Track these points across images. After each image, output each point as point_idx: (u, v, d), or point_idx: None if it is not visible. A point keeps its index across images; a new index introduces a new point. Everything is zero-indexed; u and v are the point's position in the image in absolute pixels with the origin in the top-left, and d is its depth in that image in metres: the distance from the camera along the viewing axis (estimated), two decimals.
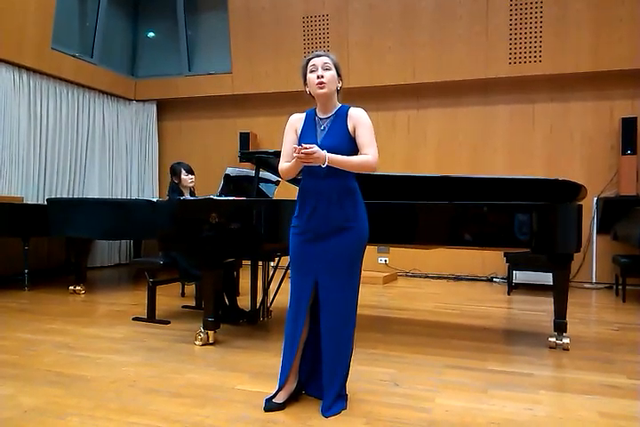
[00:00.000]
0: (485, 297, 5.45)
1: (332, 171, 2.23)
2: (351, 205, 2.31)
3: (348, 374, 2.39)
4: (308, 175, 2.33)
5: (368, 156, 2.25)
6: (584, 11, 5.96)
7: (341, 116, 2.34)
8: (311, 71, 2.31)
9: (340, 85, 2.37)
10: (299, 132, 2.39)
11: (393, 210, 3.36)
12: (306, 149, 2.11)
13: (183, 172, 4.28)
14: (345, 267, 2.31)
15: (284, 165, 2.37)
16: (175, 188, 4.31)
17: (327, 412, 2.26)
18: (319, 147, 2.17)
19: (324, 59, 2.31)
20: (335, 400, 2.30)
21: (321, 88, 2.29)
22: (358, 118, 2.31)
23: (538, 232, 3.23)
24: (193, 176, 4.35)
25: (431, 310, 4.67)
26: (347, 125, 2.31)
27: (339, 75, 2.35)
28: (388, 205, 3.36)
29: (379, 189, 3.58)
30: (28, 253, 5.42)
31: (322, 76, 2.28)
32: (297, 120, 2.43)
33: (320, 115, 2.39)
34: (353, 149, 2.31)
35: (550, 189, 3.49)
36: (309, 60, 2.34)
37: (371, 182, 3.35)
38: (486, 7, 6.30)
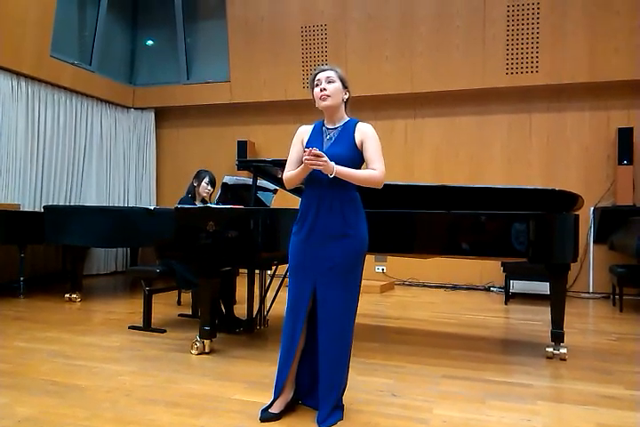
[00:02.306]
0: (483, 307, 5.45)
1: (336, 180, 2.25)
2: (352, 213, 2.33)
3: (345, 384, 2.38)
4: (312, 183, 2.35)
5: (375, 171, 2.29)
6: (581, 21, 6.01)
7: (349, 128, 2.38)
8: (316, 86, 2.37)
9: (346, 97, 2.41)
10: (305, 142, 2.42)
11: (390, 219, 3.37)
12: (316, 150, 2.16)
13: (205, 180, 4.26)
14: (344, 275, 2.31)
15: (288, 173, 2.40)
16: (191, 191, 4.31)
17: (323, 423, 2.24)
18: (325, 154, 2.21)
19: (328, 73, 2.36)
20: (332, 411, 2.28)
21: (323, 100, 2.34)
22: (367, 133, 2.35)
23: (535, 242, 3.23)
24: (212, 189, 4.31)
25: (428, 320, 4.66)
26: (354, 137, 2.35)
27: (345, 87, 2.40)
28: (385, 213, 3.36)
29: (376, 197, 3.57)
30: (24, 260, 5.40)
31: (324, 89, 2.33)
32: (304, 132, 2.47)
33: (328, 125, 2.43)
34: (357, 159, 2.34)
35: (547, 198, 3.50)
36: (315, 75, 2.39)
37: (368, 191, 3.36)
38: (483, 18, 6.35)
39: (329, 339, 2.30)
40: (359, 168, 2.36)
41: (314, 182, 2.33)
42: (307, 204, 2.37)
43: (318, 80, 2.36)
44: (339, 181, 2.25)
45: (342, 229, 2.30)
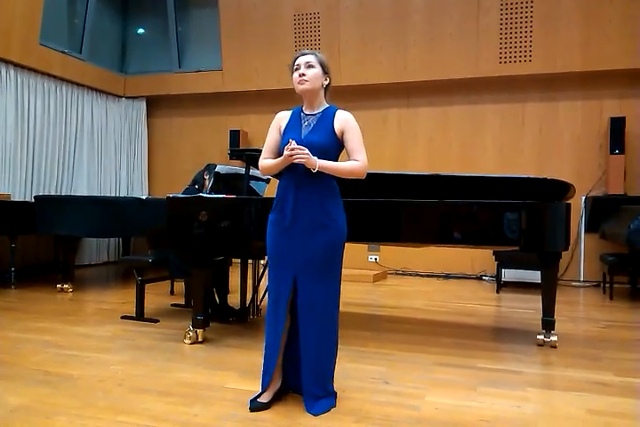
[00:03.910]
0: (475, 295, 5.48)
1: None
2: (332, 204, 2.31)
3: (332, 372, 2.38)
4: (289, 171, 2.31)
5: (358, 162, 2.27)
6: (574, 11, 5.99)
7: (329, 115, 2.34)
8: (295, 70, 2.33)
9: (326, 83, 2.36)
10: (282, 128, 2.39)
11: (383, 208, 3.37)
12: (300, 146, 2.14)
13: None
14: (324, 266, 2.29)
15: (265, 161, 2.38)
16: (199, 181, 4.28)
17: (313, 409, 2.25)
18: (302, 142, 2.21)
19: (308, 57, 2.32)
20: (321, 398, 2.29)
21: (301, 84, 2.30)
22: (347, 122, 2.31)
23: (527, 231, 3.24)
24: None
25: (421, 308, 4.68)
26: (333, 125, 2.31)
27: (326, 72, 2.35)
28: (378, 203, 3.36)
29: (369, 187, 3.57)
30: (15, 250, 5.36)
31: (303, 74, 2.29)
32: (282, 118, 2.43)
33: (306, 111, 2.39)
34: (335, 147, 2.31)
35: (539, 187, 3.51)
36: (295, 59, 2.35)
37: (360, 180, 3.34)
38: (477, 7, 6.32)
39: (312, 328, 2.28)
40: (337, 156, 2.33)
41: (290, 170, 2.30)
42: (283, 192, 2.33)
43: (298, 65, 2.32)
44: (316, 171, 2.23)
45: (322, 221, 2.27)
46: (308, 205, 2.27)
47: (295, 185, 2.29)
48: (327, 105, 2.39)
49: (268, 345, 2.35)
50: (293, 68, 2.34)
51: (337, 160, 2.33)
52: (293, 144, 2.16)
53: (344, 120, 2.31)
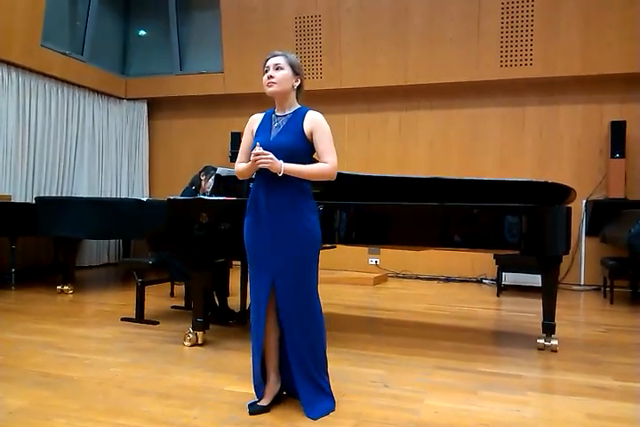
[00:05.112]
0: (475, 298, 5.48)
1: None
2: (304, 206, 2.29)
3: (325, 371, 2.37)
4: (260, 174, 2.30)
5: (327, 164, 2.25)
6: (575, 14, 6.00)
7: (299, 116, 2.32)
8: (265, 72, 2.32)
9: (297, 84, 2.35)
10: (255, 131, 2.39)
11: (384, 211, 3.37)
12: (261, 149, 2.15)
13: (214, 177, 4.24)
14: (301, 268, 2.28)
15: (239, 165, 2.39)
16: (196, 183, 4.32)
17: (312, 413, 2.24)
18: (270, 143, 2.21)
19: (277, 59, 2.31)
20: (318, 401, 2.28)
21: (269, 86, 2.29)
22: (317, 123, 2.28)
23: (527, 234, 3.24)
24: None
25: (421, 312, 4.68)
26: (302, 126, 2.29)
27: (297, 73, 2.34)
28: (378, 206, 3.36)
29: (370, 190, 3.58)
30: (15, 251, 5.36)
31: (271, 76, 2.28)
32: (254, 120, 2.43)
33: (277, 113, 2.38)
34: (304, 148, 2.29)
35: (540, 191, 3.51)
36: (265, 61, 2.34)
37: (361, 183, 3.35)
38: (478, 10, 6.33)
39: (297, 328, 2.28)
40: (308, 157, 2.31)
41: (261, 173, 2.28)
42: (255, 195, 2.32)
43: (267, 67, 2.31)
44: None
45: (297, 231, 2.25)
46: (281, 210, 2.25)
47: (266, 188, 2.28)
48: (298, 106, 2.37)
49: (252, 347, 2.34)
50: (264, 69, 2.33)
51: (309, 162, 2.30)
52: (258, 149, 2.15)
53: (313, 120, 2.29)
